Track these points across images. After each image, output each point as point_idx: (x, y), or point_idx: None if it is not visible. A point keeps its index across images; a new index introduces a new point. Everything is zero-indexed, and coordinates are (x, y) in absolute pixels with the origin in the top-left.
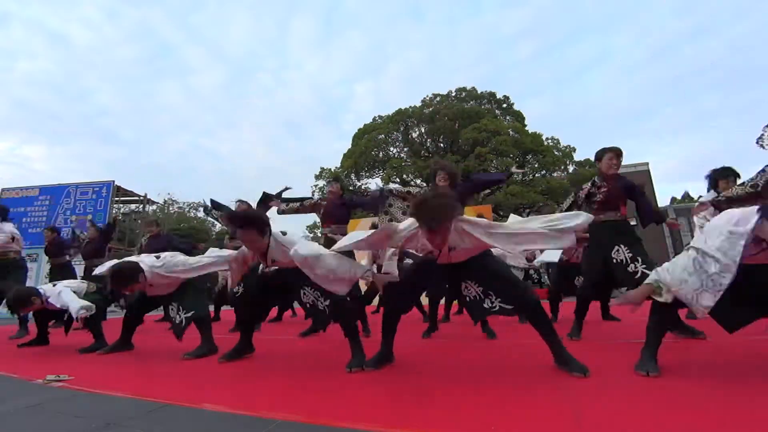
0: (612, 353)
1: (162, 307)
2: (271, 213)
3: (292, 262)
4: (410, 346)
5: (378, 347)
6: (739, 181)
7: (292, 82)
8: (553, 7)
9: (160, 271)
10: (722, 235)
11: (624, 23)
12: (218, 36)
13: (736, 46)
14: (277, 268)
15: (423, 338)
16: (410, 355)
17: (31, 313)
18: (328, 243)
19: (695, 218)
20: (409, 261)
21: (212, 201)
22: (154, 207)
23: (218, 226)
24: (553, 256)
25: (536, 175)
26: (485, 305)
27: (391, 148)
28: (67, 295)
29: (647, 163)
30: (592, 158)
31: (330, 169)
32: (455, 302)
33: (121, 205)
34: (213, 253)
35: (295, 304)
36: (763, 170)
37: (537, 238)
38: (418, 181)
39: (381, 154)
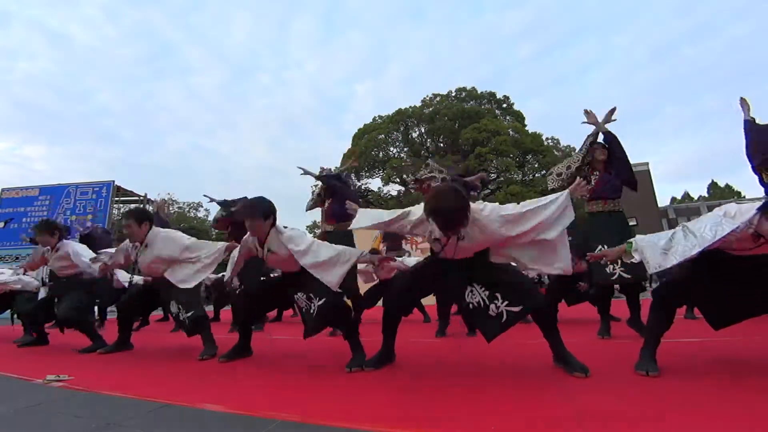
0: (612, 353)
1: (161, 309)
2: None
3: (287, 253)
4: (410, 346)
5: (379, 348)
6: None
7: (292, 82)
8: (554, 8)
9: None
10: (716, 218)
11: (624, 23)
12: (218, 36)
13: (737, 46)
14: (279, 275)
15: (437, 337)
16: (410, 355)
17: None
18: (328, 239)
19: None
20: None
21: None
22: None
23: None
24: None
25: (536, 175)
26: (491, 313)
27: (391, 148)
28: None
29: (647, 163)
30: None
31: (330, 169)
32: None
33: (121, 205)
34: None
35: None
36: None
37: (541, 209)
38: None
39: (381, 154)
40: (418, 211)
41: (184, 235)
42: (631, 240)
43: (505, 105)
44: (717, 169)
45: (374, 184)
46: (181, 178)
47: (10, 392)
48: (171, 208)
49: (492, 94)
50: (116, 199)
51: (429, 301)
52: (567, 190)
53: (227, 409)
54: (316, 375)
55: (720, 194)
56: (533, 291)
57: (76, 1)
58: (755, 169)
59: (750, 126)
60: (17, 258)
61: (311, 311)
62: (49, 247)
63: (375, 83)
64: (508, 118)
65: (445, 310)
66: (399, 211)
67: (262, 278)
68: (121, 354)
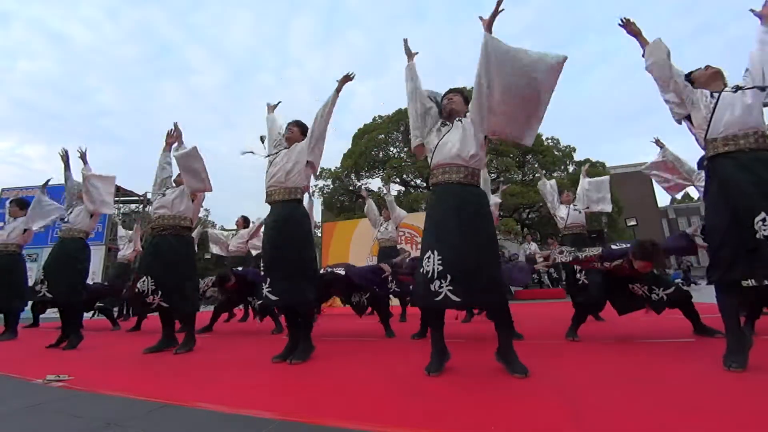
0: (612, 353)
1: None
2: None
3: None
4: (409, 346)
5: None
6: None
7: (292, 81)
8: (554, 8)
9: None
10: None
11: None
12: (219, 36)
13: (737, 46)
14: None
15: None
16: (410, 355)
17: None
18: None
19: None
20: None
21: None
22: None
23: (218, 226)
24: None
25: (536, 175)
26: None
27: (391, 148)
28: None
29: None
30: (593, 158)
31: (330, 169)
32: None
33: (121, 205)
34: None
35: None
36: None
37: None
38: (418, 181)
39: (381, 154)
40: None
41: None
42: None
43: None
44: None
45: (374, 184)
46: None
47: (10, 392)
48: None
49: None
50: (116, 199)
51: None
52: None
53: (227, 409)
54: (316, 375)
55: None
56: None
57: (76, 1)
58: None
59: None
60: None
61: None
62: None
63: (375, 83)
64: None
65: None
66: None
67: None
68: (121, 354)
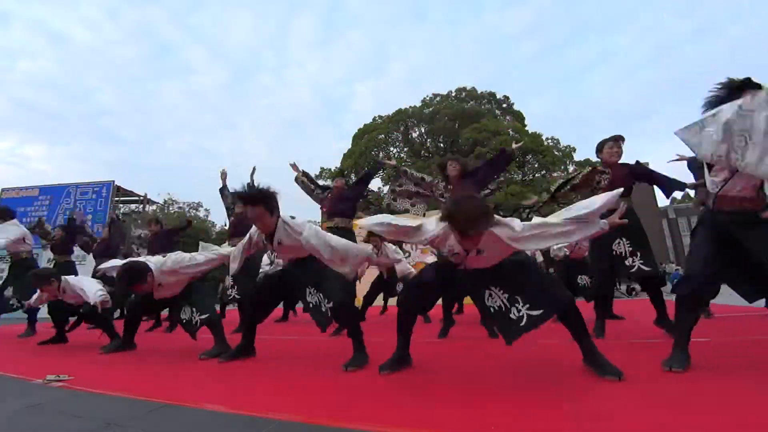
0: (612, 353)
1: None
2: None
3: (297, 244)
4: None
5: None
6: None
7: (292, 81)
8: (554, 8)
9: (167, 268)
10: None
11: (625, 23)
12: (219, 36)
13: (737, 46)
14: (285, 267)
15: (440, 338)
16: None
17: (47, 311)
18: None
19: None
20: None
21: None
22: (154, 207)
23: (218, 225)
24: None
25: (536, 175)
26: (512, 315)
27: (391, 148)
28: (87, 280)
29: (647, 163)
30: (592, 158)
31: (330, 169)
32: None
33: (121, 205)
34: (214, 250)
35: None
36: None
37: (566, 232)
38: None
39: (381, 154)
40: (431, 224)
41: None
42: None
43: (504, 105)
44: None
45: (374, 184)
46: (181, 178)
47: (10, 392)
48: (171, 208)
49: (492, 94)
50: (116, 199)
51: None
52: (605, 221)
53: (227, 409)
54: (316, 375)
55: None
56: (557, 292)
57: (77, 1)
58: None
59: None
60: None
61: (322, 309)
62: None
63: (375, 83)
64: (508, 118)
65: (449, 311)
66: (412, 223)
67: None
68: (121, 354)
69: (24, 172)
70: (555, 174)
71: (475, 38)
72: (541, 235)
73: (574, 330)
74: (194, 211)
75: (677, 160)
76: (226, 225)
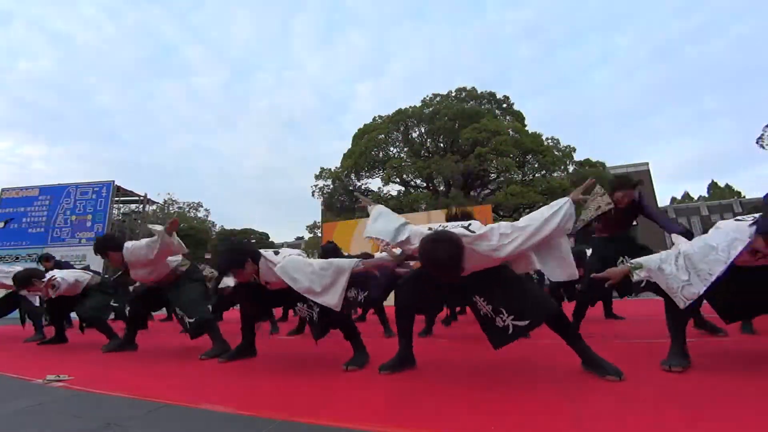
0: (612, 353)
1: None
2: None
3: (282, 280)
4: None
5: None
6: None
7: (292, 82)
8: (555, 8)
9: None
10: (727, 236)
11: (625, 24)
12: (219, 36)
13: (738, 47)
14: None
15: (420, 336)
16: None
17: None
18: (325, 255)
19: None
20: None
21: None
22: (154, 207)
23: (218, 226)
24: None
25: (536, 175)
26: (498, 324)
27: (391, 148)
28: (69, 272)
29: (647, 163)
30: (592, 158)
31: (330, 169)
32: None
33: (121, 205)
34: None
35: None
36: None
37: (539, 227)
38: (418, 181)
39: (381, 154)
40: (415, 237)
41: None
42: (632, 263)
43: (505, 105)
44: (717, 169)
45: (374, 184)
46: (181, 178)
47: (10, 392)
48: (171, 208)
49: (492, 94)
50: (116, 199)
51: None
52: (568, 198)
53: (227, 409)
54: (316, 375)
55: (720, 194)
56: (541, 302)
57: (77, 1)
58: None
59: None
60: (17, 258)
61: (314, 319)
62: None
63: (375, 83)
64: (508, 118)
65: (431, 316)
66: (405, 232)
67: None
68: (121, 354)
69: (24, 172)
70: (555, 174)
71: (475, 38)
72: (518, 238)
73: (564, 337)
74: (194, 211)
75: None
76: (224, 226)
